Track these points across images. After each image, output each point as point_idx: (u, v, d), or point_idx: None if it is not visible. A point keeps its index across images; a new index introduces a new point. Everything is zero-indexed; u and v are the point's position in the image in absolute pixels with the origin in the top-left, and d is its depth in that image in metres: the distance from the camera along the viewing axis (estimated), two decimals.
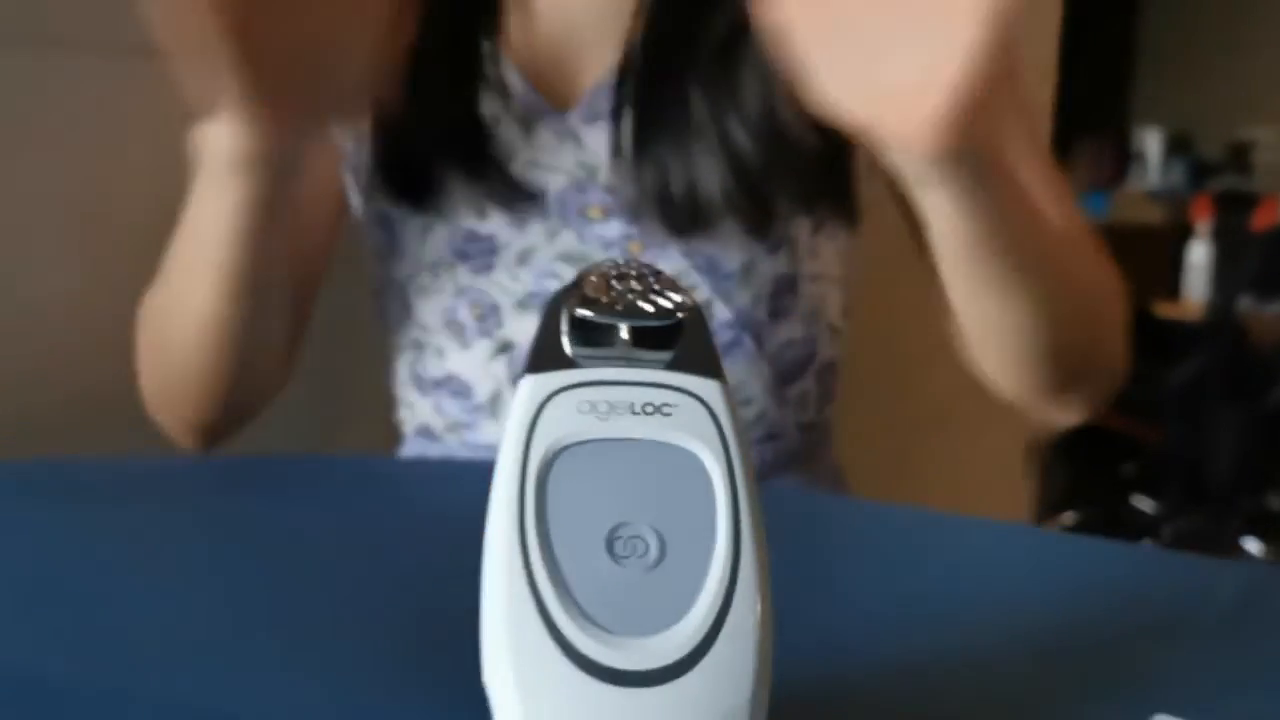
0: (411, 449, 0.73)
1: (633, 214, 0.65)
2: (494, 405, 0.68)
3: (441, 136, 0.65)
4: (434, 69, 0.65)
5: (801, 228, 0.67)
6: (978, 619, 0.39)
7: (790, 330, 0.69)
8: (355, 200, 0.71)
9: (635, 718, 0.28)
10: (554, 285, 0.65)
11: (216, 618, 0.40)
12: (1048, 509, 2.81)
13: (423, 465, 0.70)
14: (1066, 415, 0.67)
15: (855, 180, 0.69)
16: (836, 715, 0.34)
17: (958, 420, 1.44)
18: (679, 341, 0.31)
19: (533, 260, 0.67)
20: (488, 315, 0.68)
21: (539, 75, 0.67)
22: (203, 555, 0.47)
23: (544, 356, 0.31)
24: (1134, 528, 2.75)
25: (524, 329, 0.67)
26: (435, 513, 0.49)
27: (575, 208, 0.66)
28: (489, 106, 0.66)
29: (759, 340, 0.68)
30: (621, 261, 0.33)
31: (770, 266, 0.67)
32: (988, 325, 0.61)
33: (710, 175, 0.63)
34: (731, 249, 0.66)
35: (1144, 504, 2.79)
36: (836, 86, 0.49)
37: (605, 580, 0.29)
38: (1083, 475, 2.90)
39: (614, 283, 0.32)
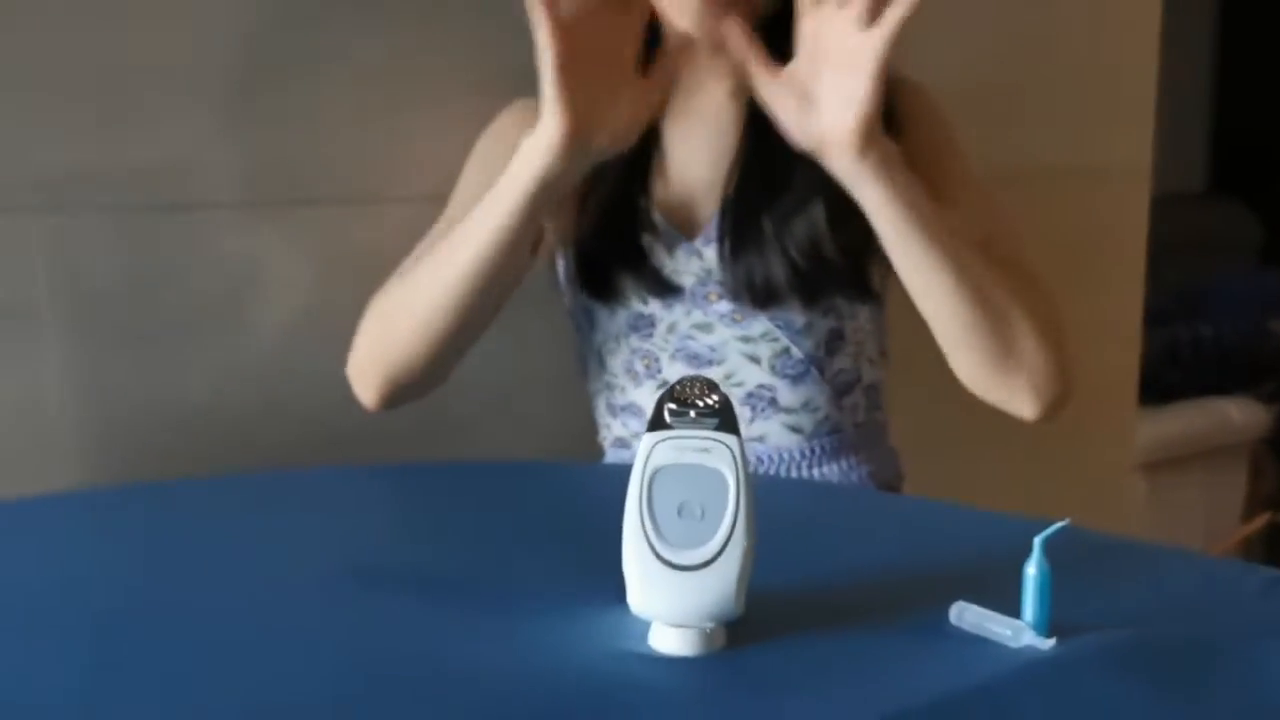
0: (611, 455, 1.12)
1: (734, 296, 1.02)
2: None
3: (620, 257, 1.04)
4: (613, 218, 1.03)
5: (841, 300, 1.03)
6: (874, 558, 0.74)
7: (842, 363, 1.05)
8: (571, 302, 1.09)
9: (685, 586, 0.65)
10: (691, 344, 1.03)
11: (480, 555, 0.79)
12: (1260, 506, 2.96)
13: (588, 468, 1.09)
14: (1019, 406, 0.98)
15: (870, 274, 1.04)
16: (780, 598, 0.70)
17: (1066, 434, 1.67)
18: (718, 417, 0.68)
19: (677, 329, 1.04)
20: (652, 365, 1.06)
21: (674, 217, 1.04)
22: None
23: (655, 423, 0.68)
24: None
25: (675, 372, 1.04)
26: (596, 500, 0.86)
27: (700, 295, 1.03)
28: (646, 239, 1.04)
29: (821, 370, 1.04)
30: (692, 379, 0.70)
31: (824, 324, 1.03)
32: (927, 303, 0.95)
33: (778, 272, 1.00)
34: (797, 314, 1.02)
35: None
36: (801, 134, 0.90)
37: (676, 525, 0.66)
38: None
39: (688, 390, 0.69)
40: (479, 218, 0.95)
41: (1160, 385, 3.44)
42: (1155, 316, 3.76)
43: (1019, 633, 0.66)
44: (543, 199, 0.93)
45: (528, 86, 1.08)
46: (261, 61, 1.13)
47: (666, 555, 0.65)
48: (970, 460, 1.35)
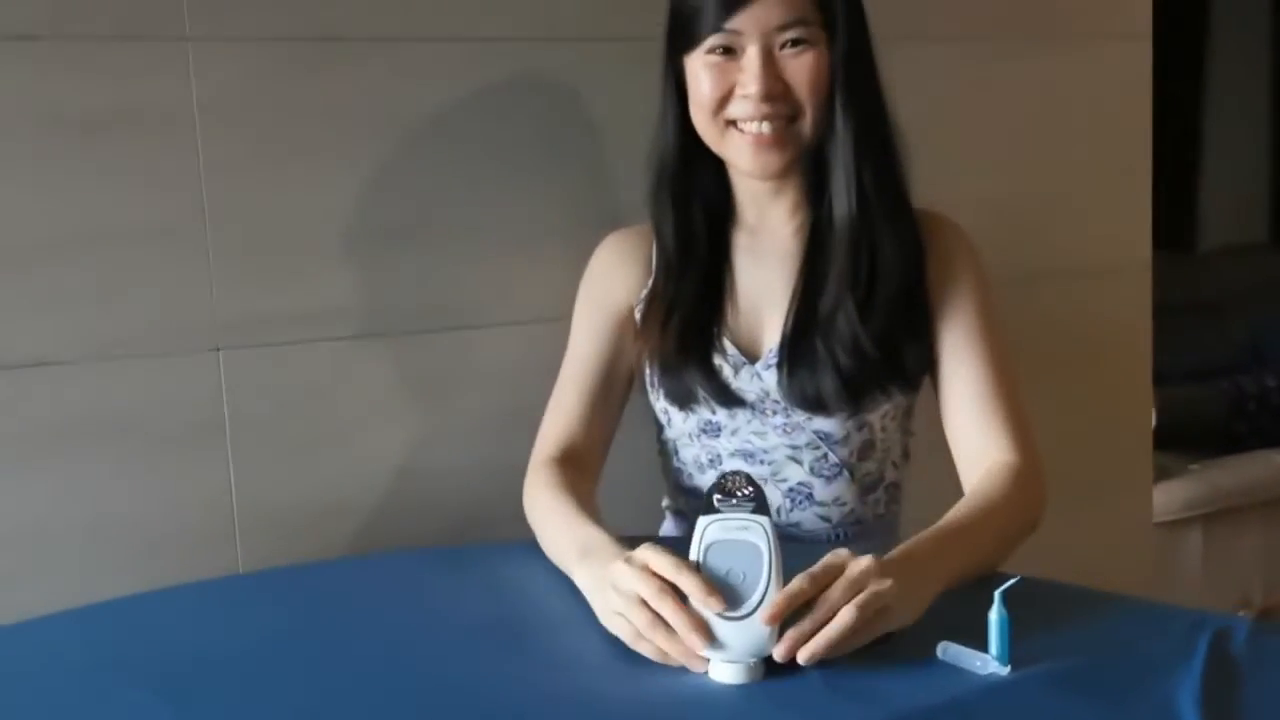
0: (668, 520, 1.34)
1: (787, 409, 1.23)
2: None
3: (696, 374, 1.23)
4: (692, 342, 1.23)
5: (875, 416, 1.22)
6: None
7: (869, 467, 1.25)
8: (654, 403, 1.30)
9: (734, 631, 0.88)
10: (749, 446, 1.27)
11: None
12: None
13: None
14: None
15: (906, 361, 1.20)
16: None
17: (1085, 498, 1.74)
18: (753, 503, 0.92)
19: (739, 434, 1.25)
20: (715, 459, 1.27)
21: (741, 342, 1.24)
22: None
23: (707, 509, 0.93)
24: None
25: (733, 465, 1.25)
26: None
27: (759, 409, 1.24)
28: (717, 360, 1.23)
29: (852, 473, 1.24)
30: (734, 473, 0.94)
31: (857, 436, 1.23)
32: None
33: (827, 384, 1.19)
34: (837, 428, 1.22)
35: None
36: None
37: (725, 586, 0.89)
38: None
39: (731, 483, 0.94)
40: (558, 549, 1.12)
41: (1228, 436, 3.55)
42: (1221, 369, 3.87)
43: (986, 663, 0.88)
44: None
45: (604, 225, 1.36)
46: (388, 222, 1.40)
47: (722, 612, 0.89)
48: None
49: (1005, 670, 0.88)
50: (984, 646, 0.89)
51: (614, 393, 1.30)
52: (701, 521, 0.92)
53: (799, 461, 1.25)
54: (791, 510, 1.25)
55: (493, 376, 1.45)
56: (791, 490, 1.25)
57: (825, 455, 1.24)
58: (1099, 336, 1.83)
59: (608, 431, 1.30)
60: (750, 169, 1.20)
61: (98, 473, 1.31)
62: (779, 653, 0.88)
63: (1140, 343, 1.89)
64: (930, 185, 1.33)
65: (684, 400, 1.26)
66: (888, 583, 0.90)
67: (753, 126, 1.18)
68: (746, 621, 0.88)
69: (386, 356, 1.42)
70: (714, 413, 1.26)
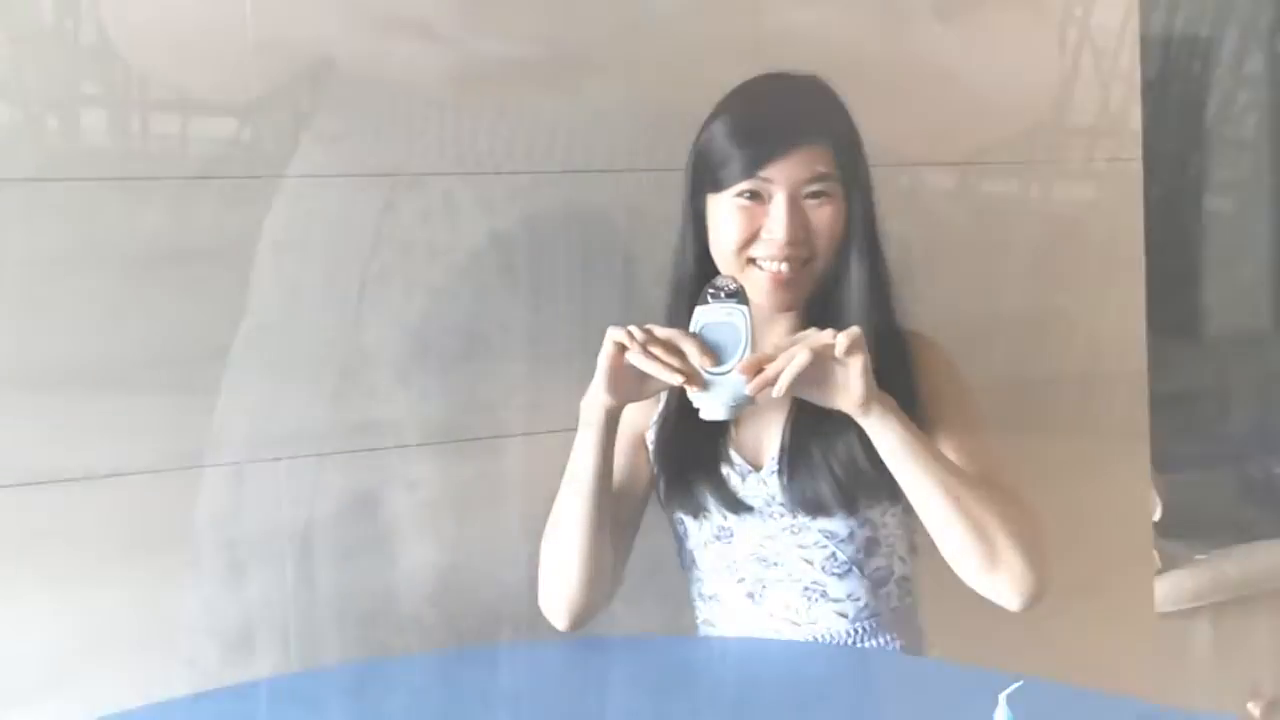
0: (701, 629, 1.41)
1: (792, 511, 1.32)
2: (738, 610, 1.36)
3: (705, 483, 1.33)
4: (698, 454, 1.33)
5: (875, 513, 1.32)
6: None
7: (877, 561, 1.34)
8: (671, 515, 1.39)
9: (718, 381, 1.19)
10: (761, 550, 1.36)
11: None
12: None
13: (707, 641, 1.41)
14: (1002, 600, 1.25)
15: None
16: None
17: (1087, 593, 1.82)
18: (736, 297, 1.19)
19: (750, 538, 1.34)
20: (730, 564, 1.36)
21: (746, 453, 1.34)
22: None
23: (701, 301, 1.20)
24: None
25: (749, 570, 1.34)
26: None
27: (766, 512, 1.33)
28: (724, 469, 1.33)
29: (861, 569, 1.33)
30: (722, 276, 1.19)
31: (862, 533, 1.32)
32: (925, 518, 1.24)
33: (824, 489, 1.29)
34: (840, 526, 1.31)
35: None
36: (828, 405, 1.20)
37: (714, 350, 1.21)
38: None
39: (721, 282, 1.20)
40: (574, 469, 1.29)
41: (1236, 525, 3.59)
42: (1228, 456, 3.91)
43: None
44: (606, 438, 1.27)
45: None
46: (437, 341, 1.52)
47: (710, 369, 1.17)
48: (1002, 624, 1.60)
49: None
50: None
51: (628, 511, 1.39)
52: (698, 309, 1.19)
53: (810, 562, 1.33)
54: (809, 608, 1.33)
55: (530, 481, 1.55)
56: (807, 589, 1.33)
57: (833, 554, 1.32)
58: (1098, 437, 1.93)
59: (622, 550, 1.38)
60: (766, 304, 1.31)
61: (165, 576, 1.41)
62: (750, 389, 1.16)
63: (1138, 444, 1.99)
64: (935, 301, 1.45)
65: (697, 509, 1.35)
66: (857, 355, 1.17)
67: (772, 265, 1.29)
68: (728, 375, 1.16)
69: (435, 464, 1.52)
70: (725, 518, 1.35)
